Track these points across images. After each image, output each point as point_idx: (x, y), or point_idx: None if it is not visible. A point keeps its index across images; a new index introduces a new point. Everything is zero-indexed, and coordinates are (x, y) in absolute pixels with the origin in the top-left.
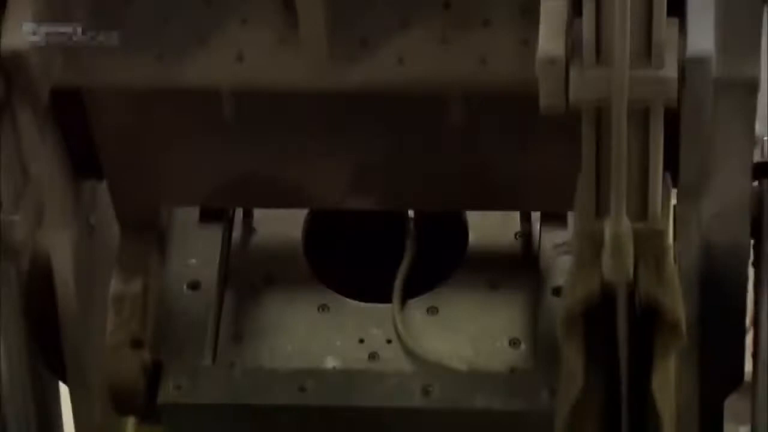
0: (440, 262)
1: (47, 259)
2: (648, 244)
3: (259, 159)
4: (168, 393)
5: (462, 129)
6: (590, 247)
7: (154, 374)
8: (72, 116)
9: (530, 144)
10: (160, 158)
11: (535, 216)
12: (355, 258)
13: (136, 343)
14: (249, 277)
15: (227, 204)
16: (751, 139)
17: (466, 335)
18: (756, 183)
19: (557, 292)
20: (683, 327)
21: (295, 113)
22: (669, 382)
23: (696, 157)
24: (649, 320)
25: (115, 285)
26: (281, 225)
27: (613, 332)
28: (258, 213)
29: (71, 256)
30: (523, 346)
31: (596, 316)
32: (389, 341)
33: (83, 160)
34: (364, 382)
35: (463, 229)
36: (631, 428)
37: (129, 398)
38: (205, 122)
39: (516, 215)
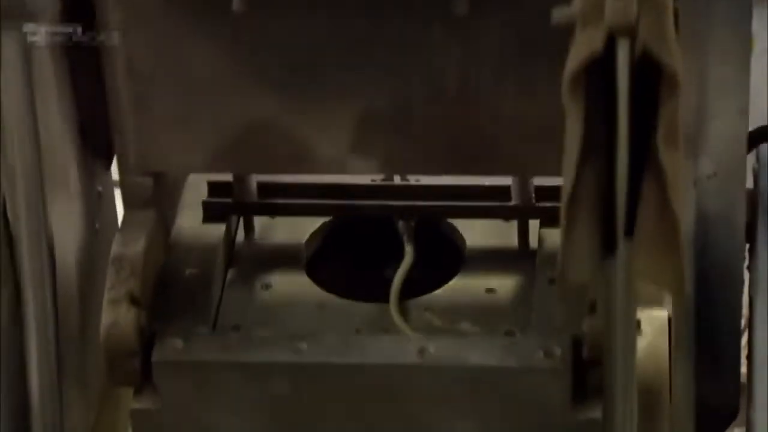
0: (437, 270)
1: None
2: (651, 3)
3: (262, 120)
4: (163, 352)
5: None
6: (593, 5)
7: (149, 344)
8: (85, 81)
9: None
10: (165, 122)
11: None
12: (354, 265)
13: (134, 300)
14: (248, 280)
15: (230, 170)
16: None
17: (462, 326)
18: (752, 184)
19: (554, 282)
20: (680, 80)
21: (297, 67)
22: (674, 141)
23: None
24: (648, 78)
25: (115, 248)
26: (283, 229)
27: (614, 91)
28: (259, 217)
29: (75, 256)
30: (518, 335)
31: (598, 74)
32: (386, 331)
33: (93, 135)
34: (359, 344)
35: (458, 237)
36: (630, 196)
37: (124, 358)
38: (211, 68)
39: (513, 221)
